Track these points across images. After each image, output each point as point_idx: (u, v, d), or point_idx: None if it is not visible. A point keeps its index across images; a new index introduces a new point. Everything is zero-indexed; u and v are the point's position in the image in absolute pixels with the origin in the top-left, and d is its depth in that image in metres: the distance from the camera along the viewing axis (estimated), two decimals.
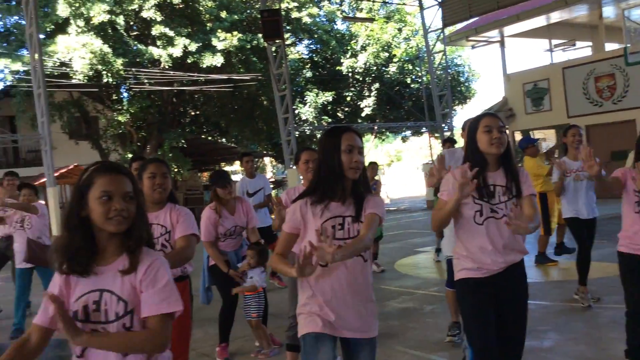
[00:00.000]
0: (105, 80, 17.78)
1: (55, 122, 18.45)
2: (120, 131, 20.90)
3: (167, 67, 18.62)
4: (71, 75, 17.66)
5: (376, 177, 8.50)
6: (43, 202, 6.99)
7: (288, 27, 21.05)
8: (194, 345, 4.32)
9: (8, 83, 21.08)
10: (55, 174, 13.62)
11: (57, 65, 17.21)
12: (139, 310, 1.77)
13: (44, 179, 13.53)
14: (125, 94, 20.88)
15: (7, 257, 7.19)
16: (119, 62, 17.38)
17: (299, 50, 25.16)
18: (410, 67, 24.17)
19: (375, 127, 22.73)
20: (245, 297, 4.63)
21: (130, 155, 18.99)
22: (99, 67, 17.08)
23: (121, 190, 1.77)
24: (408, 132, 27.70)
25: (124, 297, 1.77)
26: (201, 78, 19.68)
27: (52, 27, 17.19)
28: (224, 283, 4.53)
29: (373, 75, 23.94)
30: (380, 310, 5.63)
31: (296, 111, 21.73)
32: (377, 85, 23.85)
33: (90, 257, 1.77)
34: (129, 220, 1.77)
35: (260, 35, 17.88)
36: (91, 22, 17.20)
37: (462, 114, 27.02)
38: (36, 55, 13.06)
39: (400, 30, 24.27)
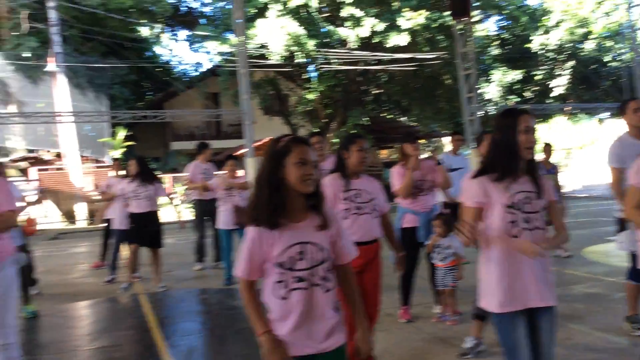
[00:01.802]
0: (297, 60, 19.02)
1: (253, 99, 20.24)
2: (309, 108, 22.25)
3: (353, 47, 19.33)
4: (267, 56, 19.18)
5: (551, 160, 8.15)
6: (243, 171, 7.96)
7: (477, 4, 20.55)
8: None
9: (215, 63, 23.53)
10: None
11: (257, 47, 18.76)
12: (333, 257, 2.19)
13: (243, 150, 15.03)
14: (314, 74, 22.11)
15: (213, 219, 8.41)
16: (311, 43, 18.45)
17: (487, 27, 24.38)
18: (610, 44, 22.19)
19: (569, 108, 21.34)
20: (438, 267, 4.96)
21: (316, 131, 20.19)
22: (293, 48, 18.32)
23: (312, 158, 2.16)
24: (605, 114, 25.56)
25: (325, 247, 2.17)
26: (385, 57, 20.10)
27: (255, 11, 18.77)
28: (410, 246, 4.83)
29: (567, 52, 22.44)
30: (565, 293, 5.61)
31: (480, 90, 21.23)
32: (571, 63, 22.32)
33: (282, 213, 2.15)
34: (315, 183, 2.17)
35: (447, 13, 17.74)
36: (287, 6, 18.47)
37: None
38: (241, 38, 14.49)
39: (599, 4, 22.35)
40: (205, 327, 5.66)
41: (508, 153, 2.56)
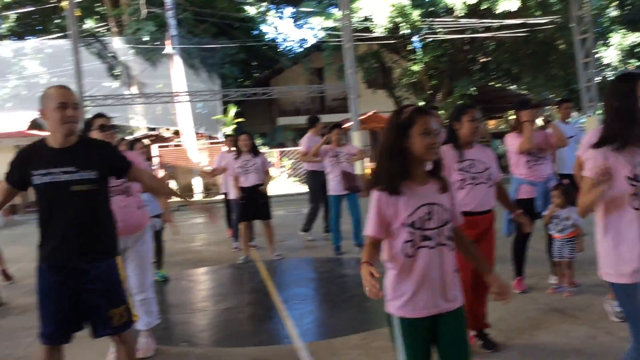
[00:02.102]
0: (402, 31, 18.81)
1: (357, 73, 20.34)
2: (414, 80, 21.98)
3: (460, 15, 18.77)
4: (371, 28, 19.11)
5: None
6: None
7: None
8: None
9: (319, 39, 23.81)
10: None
11: (361, 20, 18.74)
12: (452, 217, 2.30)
13: (348, 124, 15.23)
14: (418, 44, 21.76)
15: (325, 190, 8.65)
16: (415, 14, 18.16)
17: None
18: None
19: None
20: (556, 239, 4.87)
21: (422, 103, 19.96)
22: (398, 19, 18.12)
23: (434, 128, 2.25)
24: None
25: (448, 208, 2.28)
26: (494, 24, 19.35)
27: None
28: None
29: None
30: None
31: (598, 55, 19.91)
32: None
33: (406, 179, 2.25)
34: (438, 151, 2.27)
35: None
36: None
37: None
38: (345, 12, 14.57)
39: None
40: (319, 293, 5.94)
41: (629, 120, 2.45)
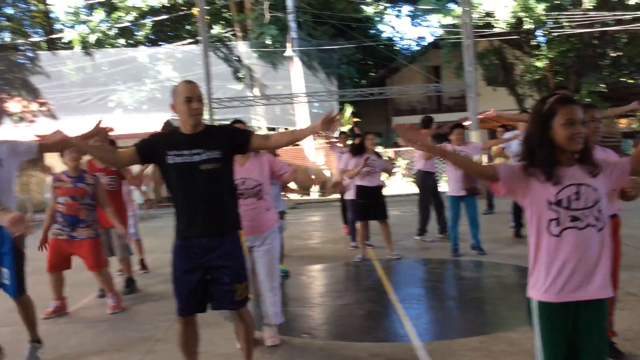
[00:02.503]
0: (525, 26, 18.08)
1: (477, 70, 19.84)
2: (537, 77, 21.03)
3: (589, 7, 17.71)
4: (493, 24, 18.55)
5: None
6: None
7: None
8: None
9: (437, 36, 23.53)
10: None
11: (481, 16, 18.27)
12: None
13: (467, 123, 14.91)
14: (543, 39, 20.79)
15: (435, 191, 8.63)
16: (540, 7, 17.39)
17: None
18: None
19: None
20: None
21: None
22: (521, 14, 17.45)
23: (579, 117, 2.20)
24: None
25: (598, 188, 2.22)
26: (626, 16, 18.04)
27: None
28: None
29: None
30: None
31: None
32: None
33: (554, 167, 2.22)
34: (584, 140, 2.21)
35: None
36: None
37: None
38: (465, 8, 14.29)
39: None
40: (436, 294, 5.94)
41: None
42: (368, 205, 7.46)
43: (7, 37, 26.03)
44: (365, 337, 4.43)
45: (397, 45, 31.42)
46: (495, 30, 18.65)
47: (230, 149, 3.24)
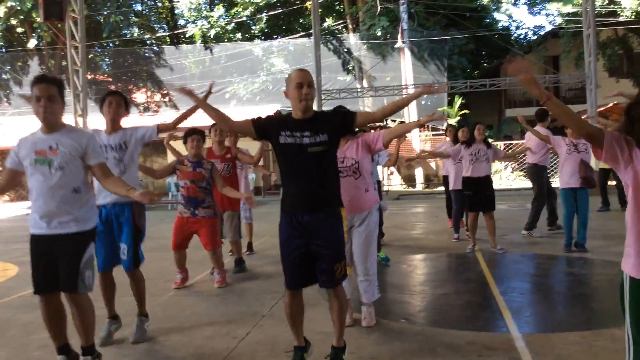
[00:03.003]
0: None
1: (598, 61, 18.71)
2: None
3: None
4: (618, 12, 17.39)
5: None
6: None
7: None
8: None
9: (556, 25, 22.40)
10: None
11: (605, 3, 17.20)
12: None
13: (584, 116, 14.14)
14: None
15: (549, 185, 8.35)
16: None
17: None
18: None
19: None
20: None
21: None
22: None
23: None
24: None
25: None
26: None
27: None
28: None
29: None
30: None
31: None
32: None
33: None
34: None
35: None
36: None
37: None
38: None
39: None
40: (540, 288, 5.80)
41: None
42: (475, 196, 7.40)
43: (135, 32, 28.11)
44: (462, 325, 4.46)
45: (513, 34, 30.21)
46: (620, 18, 17.46)
47: (338, 131, 3.44)
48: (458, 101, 21.74)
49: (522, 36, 30.38)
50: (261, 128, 3.50)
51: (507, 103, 27.53)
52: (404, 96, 3.60)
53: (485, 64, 30.86)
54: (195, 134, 5.81)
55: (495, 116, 28.33)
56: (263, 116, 3.59)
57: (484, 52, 30.23)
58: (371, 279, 4.45)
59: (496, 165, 20.24)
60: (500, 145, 20.58)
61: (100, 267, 4.24)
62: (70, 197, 3.35)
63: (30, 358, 4.01)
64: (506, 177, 19.72)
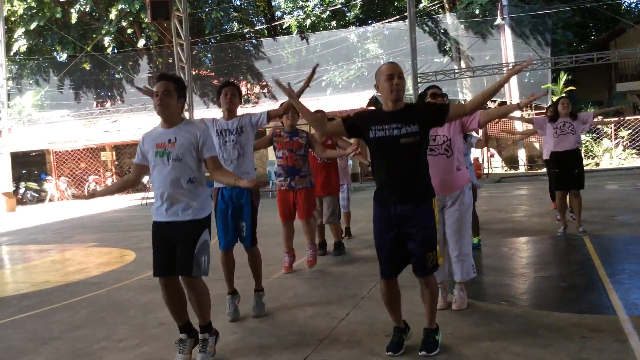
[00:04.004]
0: None
1: None
2: None
3: None
4: None
5: None
6: None
7: None
8: None
9: None
10: None
11: None
12: None
13: None
14: None
15: None
16: None
17: None
18: None
19: None
20: None
21: None
22: None
23: None
24: None
25: None
26: None
27: None
28: None
29: None
30: None
31: None
32: None
33: None
34: None
35: None
36: None
37: None
38: None
39: None
40: None
41: None
42: (562, 173, 7.06)
43: (235, 27, 29.11)
44: (566, 307, 4.36)
45: (623, 3, 28.13)
46: None
47: (428, 123, 3.49)
48: (563, 77, 20.64)
49: (633, 5, 28.26)
50: (352, 126, 3.63)
51: (618, 77, 25.72)
52: (493, 84, 3.52)
53: (593, 37, 29.01)
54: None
55: (605, 91, 26.60)
56: (352, 115, 3.71)
57: (591, 24, 28.41)
58: (465, 258, 4.41)
59: (607, 143, 19.07)
60: (611, 122, 19.41)
61: (222, 245, 4.64)
62: (187, 187, 3.62)
63: (150, 335, 4.39)
64: (617, 156, 18.52)
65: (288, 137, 6.06)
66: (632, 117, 19.44)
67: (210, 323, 3.81)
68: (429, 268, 3.50)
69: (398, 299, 3.68)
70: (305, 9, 26.49)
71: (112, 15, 22.79)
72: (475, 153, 13.53)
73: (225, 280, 4.66)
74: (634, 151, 18.45)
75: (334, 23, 27.15)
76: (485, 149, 19.31)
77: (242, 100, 4.95)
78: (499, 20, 20.49)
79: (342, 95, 22.60)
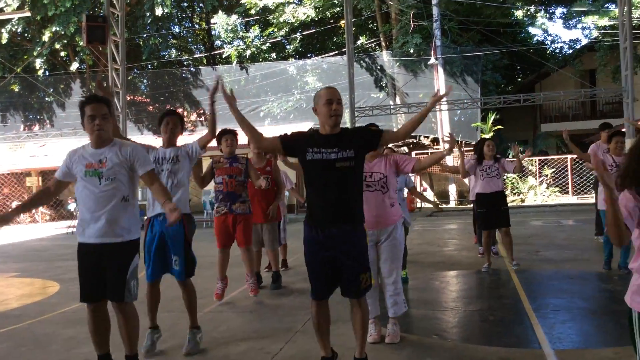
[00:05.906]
0: None
1: (635, 74, 18.37)
2: None
3: None
4: None
5: None
6: None
7: None
8: None
9: (592, 38, 22.09)
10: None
11: None
12: None
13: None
14: None
15: None
16: None
17: None
18: None
19: None
20: None
21: None
22: None
23: None
24: None
25: None
26: None
27: None
28: None
29: None
30: None
31: None
32: None
33: None
34: None
35: None
36: None
37: None
38: (625, 9, 13.37)
39: None
40: (574, 305, 5.74)
41: None
42: (488, 213, 7.34)
43: (173, 54, 28.84)
44: (495, 341, 4.47)
45: (548, 48, 29.89)
46: None
47: (363, 148, 3.56)
48: (492, 116, 21.58)
49: (557, 50, 30.03)
50: (288, 145, 3.65)
51: (543, 118, 27.20)
52: (421, 110, 3.69)
53: (520, 79, 30.57)
54: (228, 133, 6.11)
55: (530, 131, 27.99)
56: (289, 133, 3.74)
57: (518, 67, 29.97)
58: (399, 293, 4.52)
59: (531, 181, 19.97)
60: (536, 160, 20.36)
61: (149, 277, 4.47)
62: (120, 206, 3.53)
63: None
64: (541, 193, 19.41)
65: (228, 163, 6.08)
66: (556, 157, 20.49)
67: (137, 355, 3.67)
68: (362, 289, 3.55)
69: (328, 322, 3.69)
70: (246, 40, 26.62)
71: (46, 37, 22.11)
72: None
73: (147, 313, 4.48)
74: (557, 189, 19.39)
75: (273, 55, 27.40)
76: (419, 184, 19.78)
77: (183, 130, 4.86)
78: (432, 60, 21.28)
79: (280, 126, 22.70)
